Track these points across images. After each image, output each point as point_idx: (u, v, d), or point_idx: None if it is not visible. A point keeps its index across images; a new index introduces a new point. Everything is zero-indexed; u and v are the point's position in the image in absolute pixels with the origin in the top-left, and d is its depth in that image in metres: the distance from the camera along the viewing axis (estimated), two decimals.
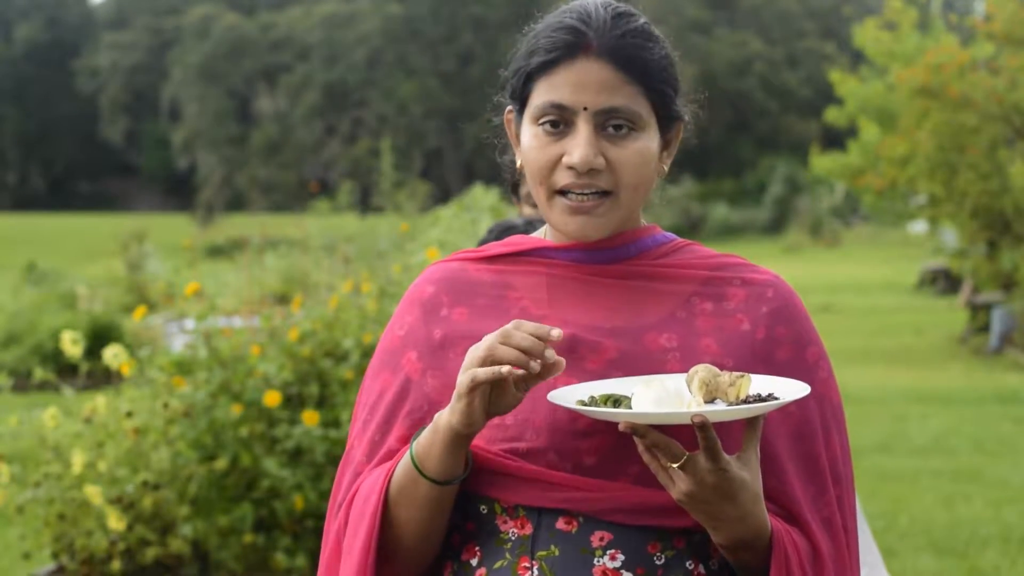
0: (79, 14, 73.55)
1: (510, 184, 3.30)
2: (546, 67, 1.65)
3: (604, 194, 1.66)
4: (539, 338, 1.51)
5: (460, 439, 1.58)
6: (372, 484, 1.68)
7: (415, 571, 1.71)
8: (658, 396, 1.54)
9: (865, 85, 17.11)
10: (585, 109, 1.63)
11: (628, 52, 1.64)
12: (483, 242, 2.98)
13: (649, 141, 1.67)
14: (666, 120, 1.70)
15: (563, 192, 1.66)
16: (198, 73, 61.71)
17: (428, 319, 1.74)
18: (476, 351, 1.53)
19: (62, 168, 70.73)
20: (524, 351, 1.50)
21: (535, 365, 1.50)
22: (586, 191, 1.65)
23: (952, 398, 11.33)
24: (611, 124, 1.64)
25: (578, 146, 1.63)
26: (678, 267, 1.74)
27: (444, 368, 1.71)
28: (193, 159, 61.55)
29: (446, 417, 1.57)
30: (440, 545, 1.69)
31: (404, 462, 1.64)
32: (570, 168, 1.64)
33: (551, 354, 1.51)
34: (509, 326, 1.52)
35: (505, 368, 1.49)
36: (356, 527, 1.67)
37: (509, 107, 1.75)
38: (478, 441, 1.65)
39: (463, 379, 1.53)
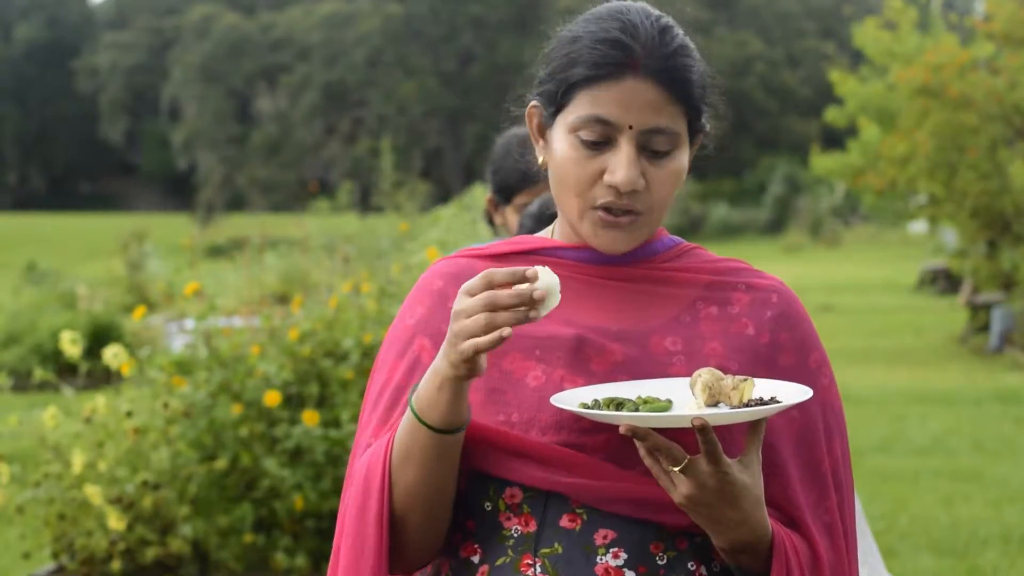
0: (79, 14, 73.55)
1: (487, 215, 3.31)
2: (590, 81, 1.63)
3: (637, 213, 1.66)
4: (518, 283, 1.51)
5: (464, 383, 1.57)
6: (375, 452, 1.66)
7: (425, 547, 1.68)
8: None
9: (865, 85, 17.10)
10: (630, 128, 1.62)
11: (675, 73, 1.64)
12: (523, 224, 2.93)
13: (684, 159, 1.68)
14: (694, 133, 1.71)
15: (597, 206, 1.66)
16: (198, 73, 61.71)
17: (437, 311, 1.74)
18: (467, 321, 1.50)
19: (62, 168, 70.72)
20: (518, 306, 1.50)
21: (535, 314, 1.50)
22: (621, 210, 1.65)
23: (952, 398, 11.33)
24: (652, 145, 1.64)
25: (621, 166, 1.62)
26: (683, 271, 1.74)
27: None
28: (193, 159, 61.55)
29: (448, 369, 1.54)
30: (448, 522, 1.68)
31: (405, 422, 1.61)
32: (611, 187, 1.63)
33: (539, 293, 1.50)
34: (487, 290, 1.50)
35: (507, 331, 1.49)
36: (364, 499, 1.65)
37: (534, 102, 1.74)
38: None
39: (464, 348, 1.50)
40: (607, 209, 1.65)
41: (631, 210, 1.65)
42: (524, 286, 1.50)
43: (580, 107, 1.64)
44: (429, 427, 1.58)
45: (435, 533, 1.68)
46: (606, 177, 1.63)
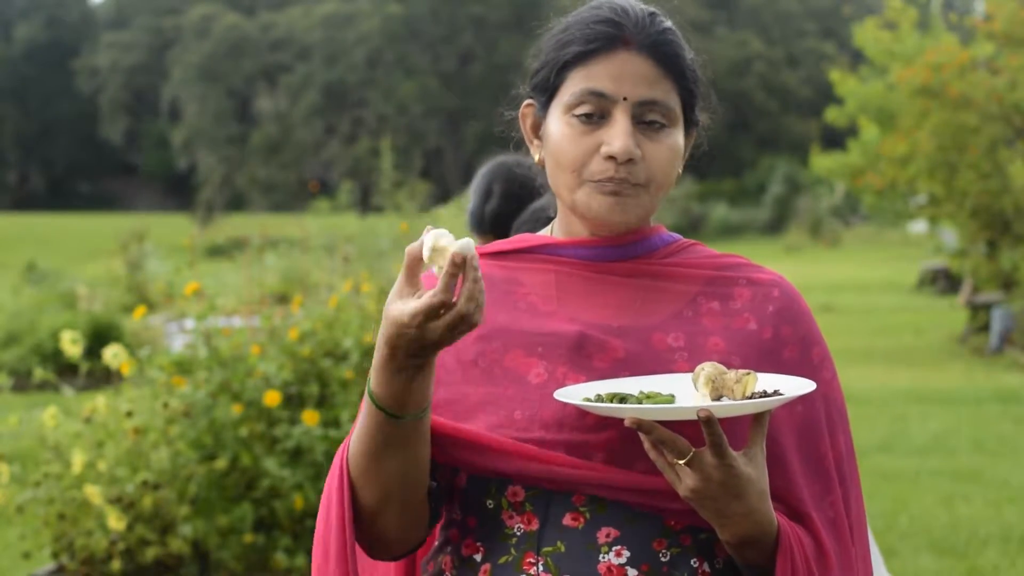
0: (79, 14, 73.52)
1: (477, 223, 3.33)
2: (584, 57, 1.66)
3: (635, 186, 1.67)
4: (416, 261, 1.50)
5: (432, 365, 1.56)
6: (336, 456, 1.68)
7: (408, 531, 1.68)
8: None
9: (865, 85, 17.09)
10: (625, 99, 1.64)
11: (666, 49, 1.67)
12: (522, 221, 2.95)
13: (679, 137, 1.69)
14: (688, 123, 1.72)
15: (596, 181, 1.66)
16: (198, 73, 61.70)
17: None
18: (437, 333, 1.48)
19: (62, 168, 70.72)
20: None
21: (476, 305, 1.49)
22: (620, 181, 1.65)
23: (952, 398, 11.33)
24: (647, 117, 1.66)
25: (618, 136, 1.63)
26: (684, 266, 1.74)
27: (458, 355, 1.71)
28: (193, 159, 61.54)
29: (418, 360, 1.52)
30: (426, 505, 1.67)
31: (370, 418, 1.59)
32: (609, 158, 1.64)
33: (457, 255, 1.47)
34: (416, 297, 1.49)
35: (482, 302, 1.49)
36: (327, 500, 1.67)
37: (528, 101, 1.75)
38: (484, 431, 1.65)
39: (456, 338, 1.50)
40: (604, 182, 1.66)
41: (629, 182, 1.66)
42: (473, 274, 1.48)
43: (574, 84, 1.67)
44: (403, 417, 1.57)
45: (416, 519, 1.68)
46: (603, 148, 1.64)
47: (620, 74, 1.65)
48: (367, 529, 1.67)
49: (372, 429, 1.60)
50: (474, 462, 1.65)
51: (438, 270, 1.49)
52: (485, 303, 1.50)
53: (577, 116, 1.66)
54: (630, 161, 1.64)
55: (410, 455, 1.61)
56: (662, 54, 1.66)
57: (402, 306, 1.49)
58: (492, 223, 3.23)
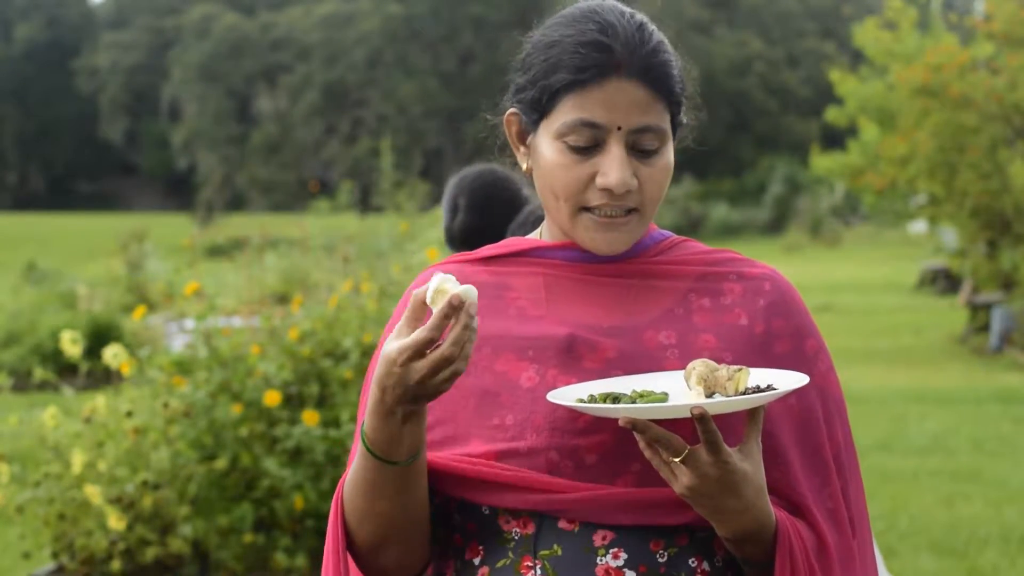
0: (79, 14, 73.51)
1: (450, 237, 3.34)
2: (575, 85, 1.63)
3: (631, 211, 1.66)
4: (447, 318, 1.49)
5: (424, 410, 1.56)
6: (335, 494, 1.70)
7: (410, 562, 1.70)
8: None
9: (865, 85, 17.09)
10: (619, 128, 1.62)
11: (658, 70, 1.63)
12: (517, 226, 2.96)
13: (671, 154, 1.68)
14: (675, 127, 1.71)
15: (590, 208, 1.65)
16: (198, 73, 61.73)
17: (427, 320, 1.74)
18: (437, 378, 1.49)
19: (62, 168, 70.70)
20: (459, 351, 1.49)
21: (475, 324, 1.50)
22: (617, 210, 1.64)
23: (952, 398, 11.33)
24: (641, 142, 1.63)
25: (614, 168, 1.62)
26: (674, 264, 1.74)
27: None
28: (193, 159, 61.58)
29: (414, 404, 1.53)
30: (427, 535, 1.69)
31: (364, 461, 1.60)
32: (604, 189, 1.63)
33: (474, 310, 1.49)
34: (419, 349, 1.49)
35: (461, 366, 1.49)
36: (327, 543, 1.69)
37: (512, 110, 1.73)
38: (477, 443, 1.65)
39: (444, 385, 1.50)
40: (600, 209, 1.65)
41: (626, 209, 1.65)
42: (466, 320, 1.48)
43: (566, 112, 1.63)
44: (397, 463, 1.58)
45: (419, 550, 1.69)
46: (599, 180, 1.63)
47: (613, 103, 1.61)
48: (369, 563, 1.69)
49: (365, 472, 1.61)
50: (473, 500, 1.66)
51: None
52: (471, 354, 1.50)
53: (567, 144, 1.64)
54: (626, 191, 1.64)
55: (407, 500, 1.62)
56: (654, 77, 1.63)
57: (394, 343, 1.51)
58: (461, 237, 3.25)
